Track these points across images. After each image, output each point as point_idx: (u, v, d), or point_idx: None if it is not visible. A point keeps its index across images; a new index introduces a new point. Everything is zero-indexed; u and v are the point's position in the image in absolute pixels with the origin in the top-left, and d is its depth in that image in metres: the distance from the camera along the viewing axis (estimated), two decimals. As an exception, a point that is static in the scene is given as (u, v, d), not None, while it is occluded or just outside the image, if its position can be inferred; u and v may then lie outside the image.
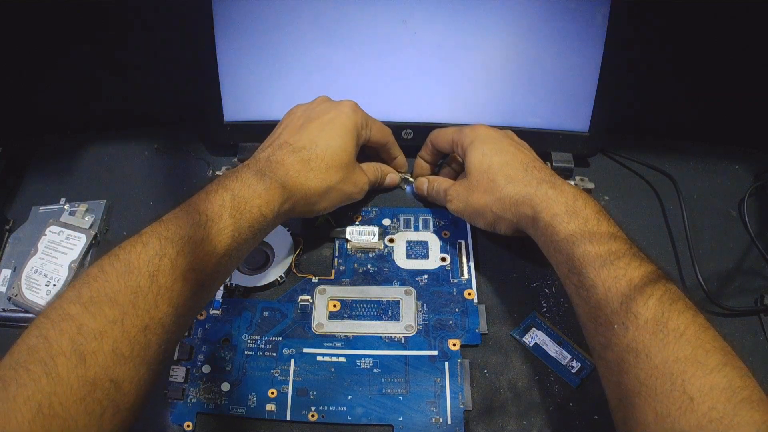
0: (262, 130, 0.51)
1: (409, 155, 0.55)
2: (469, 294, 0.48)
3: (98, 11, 0.53)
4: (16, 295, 0.48)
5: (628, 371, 0.33)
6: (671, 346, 0.32)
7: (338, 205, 0.48)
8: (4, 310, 0.49)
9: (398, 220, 0.53)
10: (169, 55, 0.57)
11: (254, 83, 0.54)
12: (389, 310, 0.48)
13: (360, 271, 0.50)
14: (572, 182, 0.54)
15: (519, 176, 0.44)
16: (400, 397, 0.43)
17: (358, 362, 0.45)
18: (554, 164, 0.55)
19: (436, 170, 0.56)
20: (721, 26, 0.52)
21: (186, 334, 0.46)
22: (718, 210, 0.55)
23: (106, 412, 0.30)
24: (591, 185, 0.54)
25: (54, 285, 0.48)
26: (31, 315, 0.48)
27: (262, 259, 0.50)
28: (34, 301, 0.48)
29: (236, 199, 0.38)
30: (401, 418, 0.42)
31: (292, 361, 0.45)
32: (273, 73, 0.54)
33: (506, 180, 0.44)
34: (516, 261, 0.51)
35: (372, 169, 0.52)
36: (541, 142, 0.53)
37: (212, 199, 0.38)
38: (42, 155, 0.60)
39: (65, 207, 0.54)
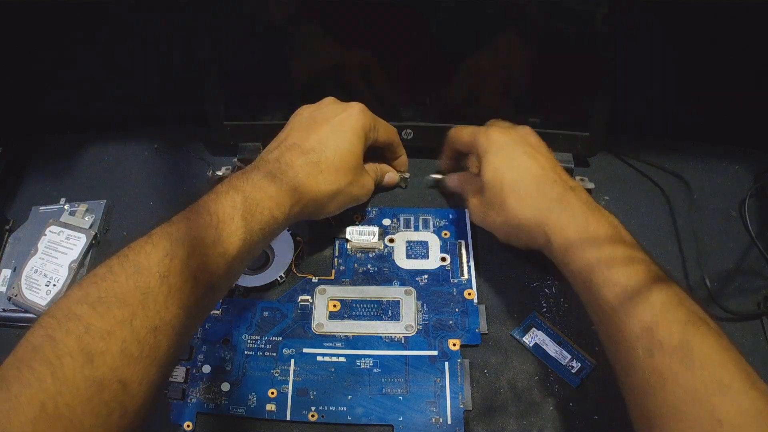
0: (262, 130, 0.51)
1: (409, 155, 0.55)
2: (469, 294, 0.48)
3: (98, 11, 0.53)
4: (16, 295, 0.48)
5: (655, 394, 0.33)
6: (697, 371, 0.32)
7: (346, 208, 0.48)
8: (4, 310, 0.48)
9: (398, 220, 0.53)
10: (169, 55, 0.57)
11: (254, 84, 0.54)
12: (389, 310, 0.48)
13: (360, 271, 0.50)
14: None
15: (530, 195, 0.43)
16: (400, 397, 0.43)
17: (358, 362, 0.45)
18: (554, 164, 0.55)
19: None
20: (722, 26, 0.52)
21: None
22: (718, 210, 0.55)
23: (113, 414, 0.29)
24: (591, 185, 0.54)
25: (54, 285, 0.48)
26: (31, 315, 0.48)
27: (262, 259, 0.50)
28: (34, 301, 0.48)
29: (248, 201, 0.38)
30: (401, 418, 0.42)
31: (292, 361, 0.45)
32: (273, 74, 0.54)
33: (517, 202, 0.44)
34: (516, 261, 0.50)
35: (372, 169, 0.52)
36: (541, 142, 0.53)
37: (224, 200, 0.38)
38: (42, 155, 0.60)
39: (65, 207, 0.54)
